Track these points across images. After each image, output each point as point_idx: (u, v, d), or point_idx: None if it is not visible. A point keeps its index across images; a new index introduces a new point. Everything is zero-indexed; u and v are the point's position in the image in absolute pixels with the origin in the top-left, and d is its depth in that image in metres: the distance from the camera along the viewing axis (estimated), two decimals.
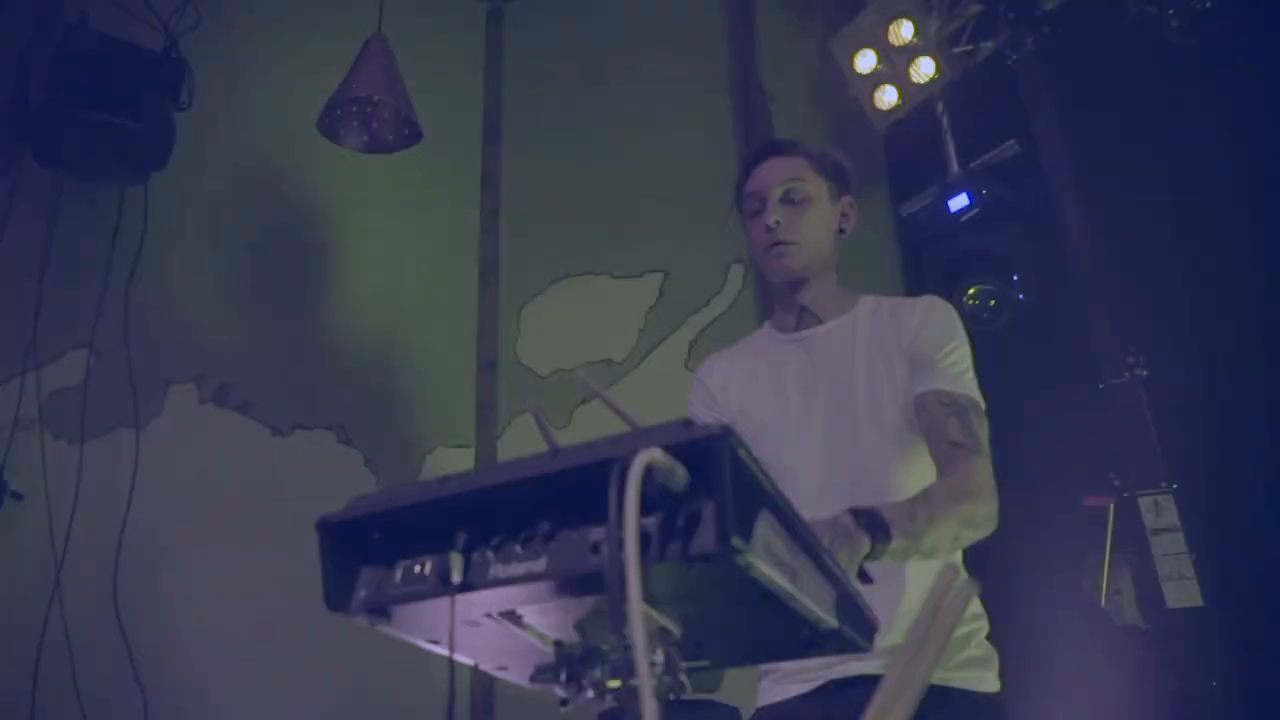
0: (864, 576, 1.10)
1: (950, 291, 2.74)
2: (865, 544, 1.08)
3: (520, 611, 0.75)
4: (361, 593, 0.77)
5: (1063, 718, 2.62)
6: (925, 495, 1.23)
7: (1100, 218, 2.82)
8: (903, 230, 3.15)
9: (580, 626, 0.76)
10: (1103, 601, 2.62)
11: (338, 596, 0.77)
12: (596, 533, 0.67)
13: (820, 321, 1.54)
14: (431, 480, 0.75)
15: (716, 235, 3.84)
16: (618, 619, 0.54)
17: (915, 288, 2.93)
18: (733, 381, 1.57)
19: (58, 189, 2.99)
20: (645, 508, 0.61)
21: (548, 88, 4.06)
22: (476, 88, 4.07)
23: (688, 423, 0.65)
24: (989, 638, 1.35)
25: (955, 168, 3.01)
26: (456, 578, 0.69)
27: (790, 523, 0.70)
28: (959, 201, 2.95)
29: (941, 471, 1.32)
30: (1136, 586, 2.57)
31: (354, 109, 2.81)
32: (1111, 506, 2.58)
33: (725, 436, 0.62)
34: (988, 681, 1.33)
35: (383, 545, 0.77)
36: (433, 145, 3.33)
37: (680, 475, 0.62)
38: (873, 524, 1.10)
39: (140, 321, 3.05)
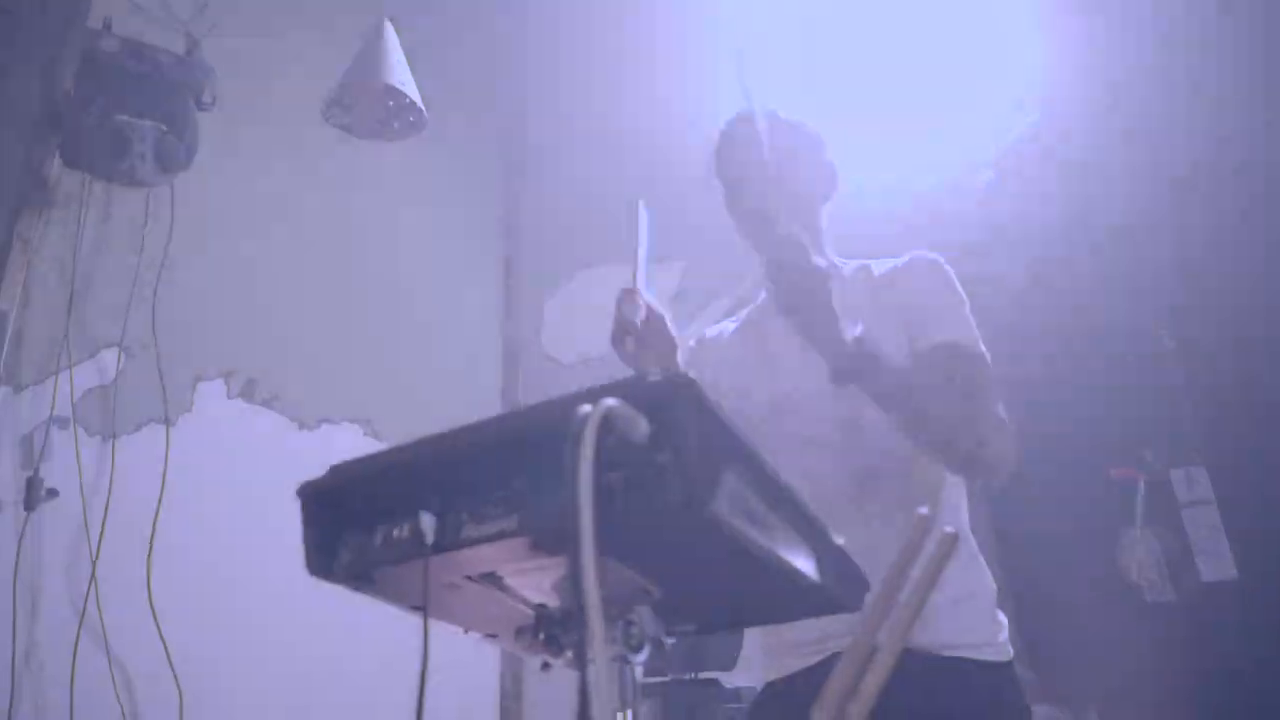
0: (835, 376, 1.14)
1: (972, 263, 2.71)
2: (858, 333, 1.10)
3: (500, 573, 0.75)
4: (344, 558, 0.77)
5: (1093, 692, 2.58)
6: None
7: (1126, 190, 2.76)
8: (918, 201, 3.11)
9: (558, 588, 0.76)
10: (1134, 575, 2.57)
11: (318, 562, 0.77)
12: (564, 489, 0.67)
13: None
14: (412, 442, 0.76)
15: (731, 226, 3.83)
16: (575, 576, 0.54)
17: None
18: (721, 357, 1.55)
19: (86, 190, 3.06)
20: (611, 462, 0.61)
21: (574, 73, 4.06)
22: (501, 74, 4.08)
23: (642, 374, 0.64)
24: (996, 603, 1.32)
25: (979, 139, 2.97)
26: (430, 538, 0.69)
27: (764, 475, 0.69)
28: (984, 175, 2.91)
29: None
30: (1167, 561, 2.52)
31: (360, 97, 2.83)
32: (1141, 480, 2.53)
33: (687, 384, 0.61)
34: (999, 650, 1.29)
35: (364, 510, 0.77)
36: (455, 132, 3.36)
37: (642, 427, 0.61)
38: (857, 349, 1.15)
39: (168, 319, 3.11)
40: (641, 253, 1.38)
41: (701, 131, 3.92)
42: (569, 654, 0.75)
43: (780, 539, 0.71)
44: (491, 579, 0.76)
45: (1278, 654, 2.31)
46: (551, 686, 3.57)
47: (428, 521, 0.70)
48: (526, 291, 3.91)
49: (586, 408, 0.59)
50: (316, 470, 2.96)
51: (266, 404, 3.31)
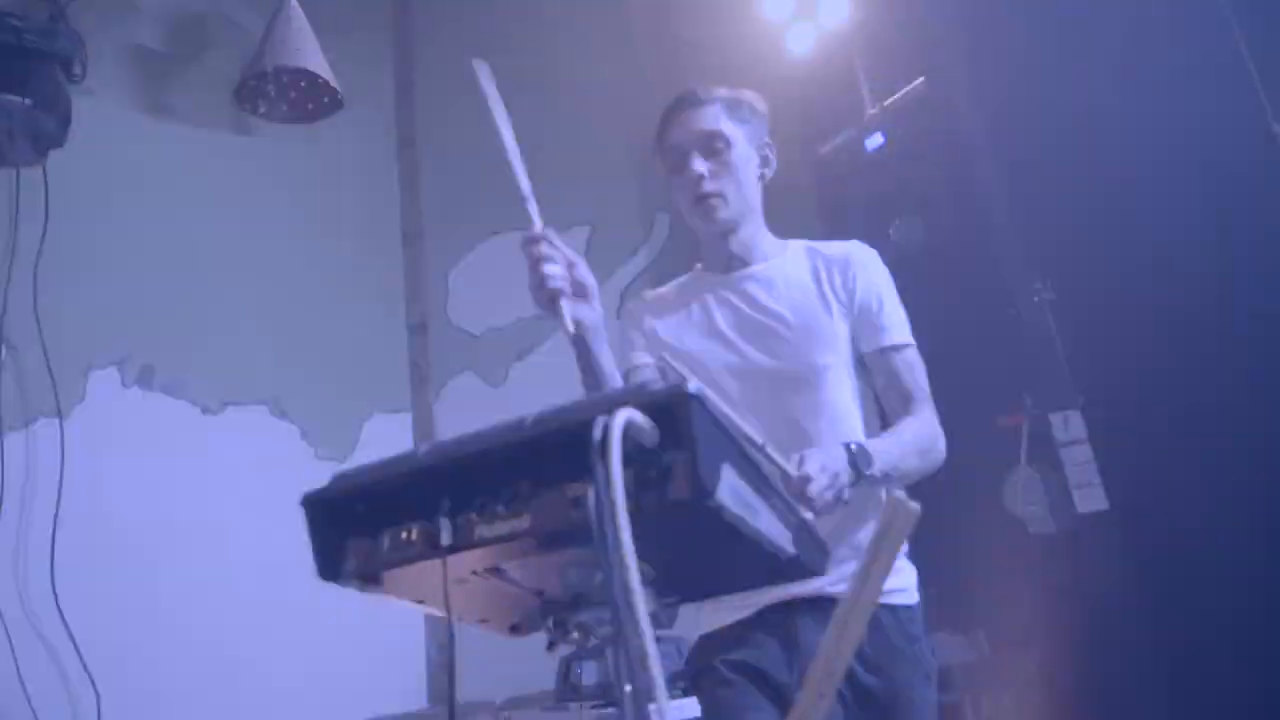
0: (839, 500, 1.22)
1: (870, 227, 2.84)
2: (849, 475, 1.20)
3: (504, 567, 0.81)
4: (350, 562, 0.81)
5: (982, 617, 2.84)
6: (898, 431, 1.34)
7: (1006, 151, 2.95)
8: (820, 170, 3.23)
9: (561, 575, 0.82)
10: (1019, 511, 2.82)
11: (327, 567, 0.81)
12: (574, 489, 0.73)
13: (747, 265, 1.58)
14: (408, 453, 0.80)
15: (640, 186, 3.88)
16: (611, 569, 0.60)
17: (835, 226, 3.03)
18: (662, 321, 1.59)
19: None
20: (623, 462, 0.67)
21: (462, 44, 3.98)
22: (388, 46, 3.98)
23: (646, 383, 0.71)
24: (908, 554, 1.47)
25: (869, 106, 3.09)
26: (446, 540, 0.74)
27: (750, 465, 0.77)
28: (874, 140, 3.04)
29: (900, 415, 1.42)
30: (1047, 496, 2.78)
31: (270, 80, 2.73)
32: (1024, 424, 2.76)
33: (693, 396, 0.68)
34: (908, 595, 1.44)
35: (367, 516, 0.81)
36: (348, 107, 3.26)
37: (652, 432, 0.67)
38: (861, 456, 1.21)
39: (53, 307, 2.94)
40: (500, 117, 1.31)
41: (597, 98, 3.94)
42: (575, 634, 0.81)
43: (764, 520, 0.79)
44: (495, 572, 0.81)
45: (1143, 577, 2.60)
46: (477, 659, 3.62)
47: (445, 525, 0.74)
48: (430, 263, 3.86)
49: (608, 418, 0.65)
50: (226, 456, 2.92)
51: (167, 390, 3.18)
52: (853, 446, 1.24)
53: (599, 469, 0.62)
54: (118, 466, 3.02)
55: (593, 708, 1.94)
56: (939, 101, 3.06)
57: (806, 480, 1.16)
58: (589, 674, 1.97)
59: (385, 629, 3.33)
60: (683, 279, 1.68)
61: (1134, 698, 2.59)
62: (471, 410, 3.71)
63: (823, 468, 1.17)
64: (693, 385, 0.69)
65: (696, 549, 0.78)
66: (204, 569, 3.06)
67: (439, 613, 0.93)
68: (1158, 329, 2.54)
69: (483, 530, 0.75)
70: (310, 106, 2.79)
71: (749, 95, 1.57)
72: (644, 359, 1.56)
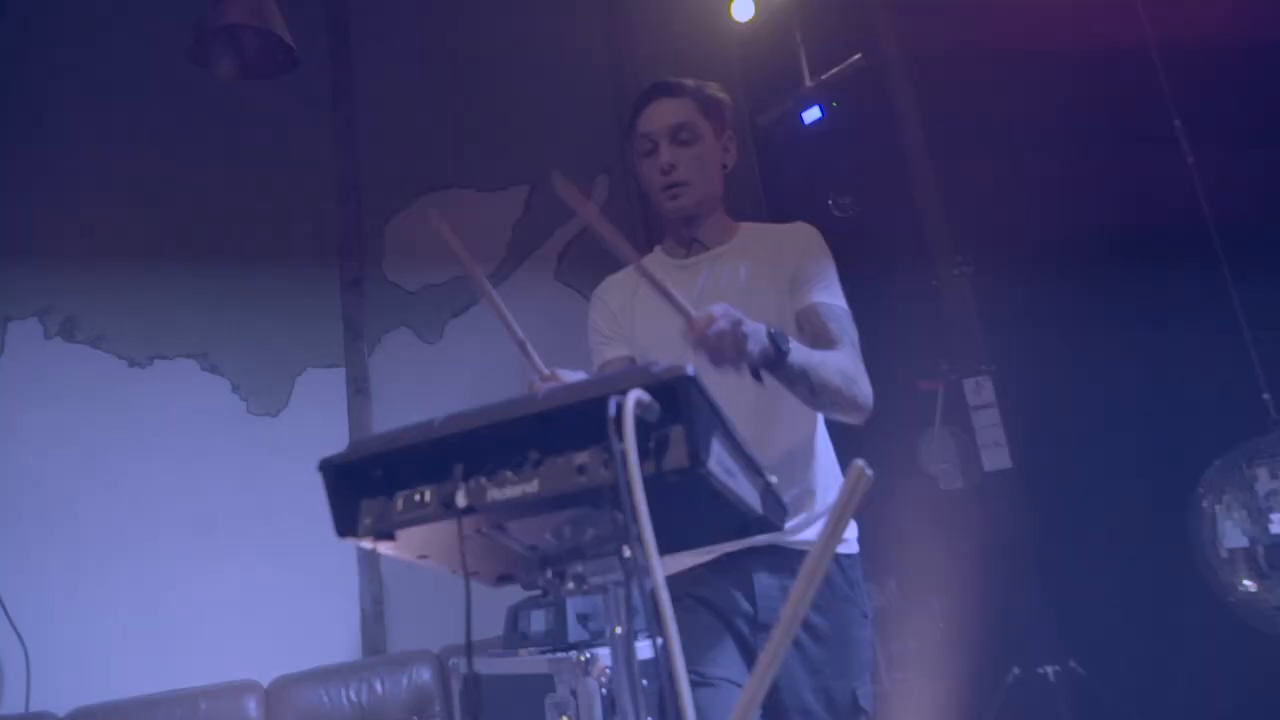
0: (754, 374, 1.30)
1: (809, 199, 2.97)
2: (764, 338, 1.27)
3: (507, 526, 0.89)
4: (366, 520, 0.88)
5: (894, 565, 3.06)
6: (823, 350, 1.45)
7: (936, 131, 3.11)
8: (759, 140, 3.32)
9: (555, 532, 0.91)
10: (931, 469, 3.03)
11: (344, 524, 0.88)
12: (579, 457, 0.82)
13: (707, 249, 1.68)
14: (424, 422, 0.87)
15: (581, 147, 3.91)
16: (630, 528, 0.70)
17: (772, 195, 3.14)
18: (630, 304, 1.69)
19: None
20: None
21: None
22: None
23: (649, 365, 0.80)
24: None
25: (808, 80, 3.19)
26: (462, 502, 0.82)
27: (730, 436, 0.87)
28: (812, 114, 3.14)
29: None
30: (958, 455, 3.00)
31: (224, 36, 2.65)
32: (941, 388, 2.97)
33: (690, 378, 0.77)
34: (850, 546, 1.59)
35: (382, 480, 0.88)
36: None
37: (656, 410, 0.77)
38: (781, 337, 1.31)
39: None
40: (470, 263, 1.34)
41: (537, 57, 3.92)
42: (570, 584, 0.91)
43: (740, 484, 0.90)
44: (499, 530, 0.90)
45: (1041, 528, 2.85)
46: (406, 608, 3.68)
47: (461, 488, 0.82)
48: (366, 218, 3.83)
49: (621, 397, 0.73)
50: (153, 410, 2.90)
51: (91, 343, 3.11)
52: (773, 329, 1.31)
53: (615, 440, 0.71)
54: (40, 419, 2.95)
55: (540, 653, 2.05)
56: (874, 78, 3.19)
57: (710, 320, 1.23)
58: (536, 622, 2.08)
59: (319, 582, 3.37)
60: (644, 260, 1.75)
61: (1026, 634, 2.86)
62: (406, 366, 3.73)
63: (725, 312, 1.24)
64: (690, 368, 0.78)
65: (682, 507, 0.87)
66: (133, 523, 3.03)
67: (438, 567, 1.01)
68: (1063, 304, 2.76)
69: (494, 493, 0.84)
70: (263, 63, 2.72)
71: (717, 90, 1.66)
72: (616, 353, 1.63)
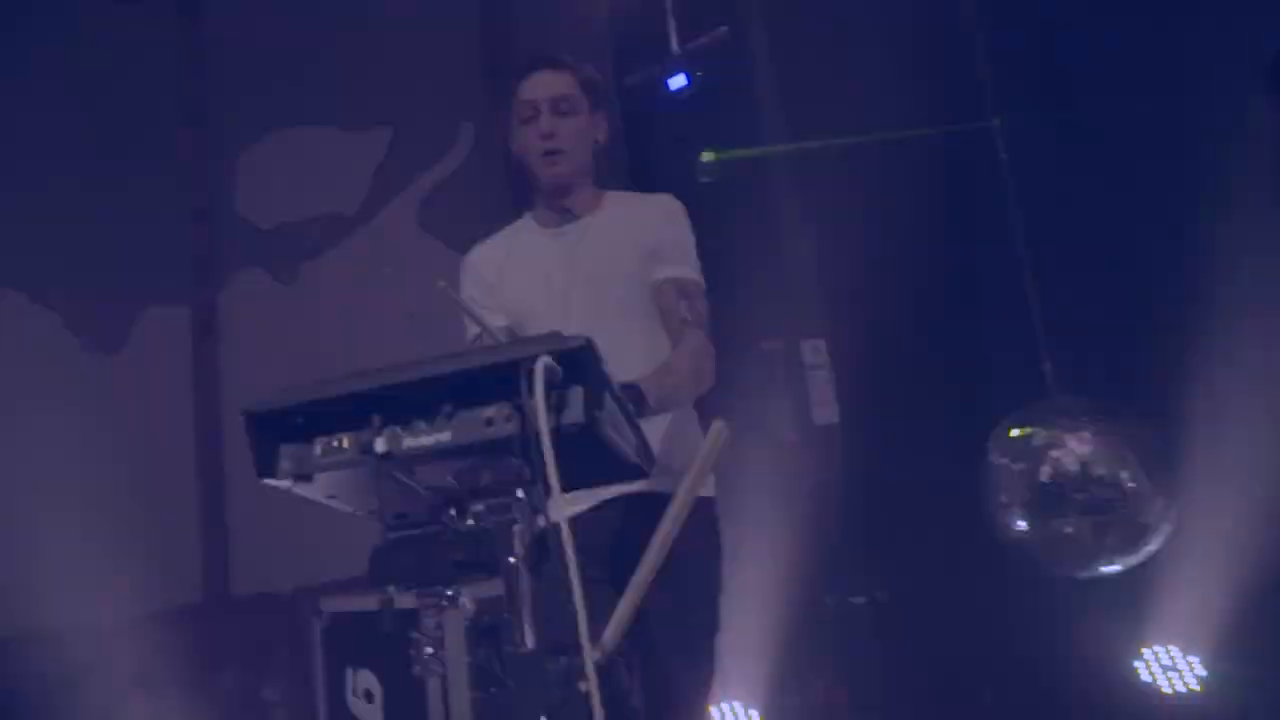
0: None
1: (672, 164, 3.11)
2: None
3: (416, 470, 1.01)
4: (285, 464, 0.98)
5: (738, 510, 3.34)
6: (668, 365, 1.61)
7: (791, 105, 3.33)
8: (626, 102, 3.42)
9: (456, 475, 1.04)
10: (769, 422, 3.32)
11: (265, 467, 0.97)
12: (488, 411, 0.95)
13: (577, 218, 1.78)
14: (342, 376, 0.97)
15: (446, 94, 3.87)
16: (537, 477, 0.83)
17: (637, 158, 3.26)
18: (503, 270, 1.76)
19: None
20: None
21: None
22: None
23: (556, 333, 0.93)
24: None
25: (675, 47, 3.31)
26: (381, 449, 0.93)
27: (617, 397, 1.02)
28: (678, 81, 3.28)
29: (675, 342, 1.69)
30: (794, 411, 3.30)
31: None
32: (782, 349, 3.24)
33: (590, 347, 0.91)
34: (710, 489, 1.79)
35: (301, 427, 0.98)
36: None
37: (560, 373, 0.90)
38: (633, 395, 1.46)
39: None
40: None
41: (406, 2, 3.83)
42: (470, 521, 1.04)
43: (621, 436, 1.05)
44: (409, 473, 1.01)
45: (861, 475, 3.21)
46: (254, 551, 3.64)
47: (380, 436, 0.93)
48: (217, 149, 3.66)
49: (533, 362, 0.87)
50: None
51: None
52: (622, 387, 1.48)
53: (526, 397, 0.84)
54: None
55: (406, 590, 2.15)
56: (737, 51, 3.35)
57: None
58: (403, 560, 2.17)
59: (157, 523, 3.29)
60: (513, 228, 1.83)
61: (842, 569, 3.23)
62: (259, 307, 3.64)
63: None
64: (588, 337, 0.92)
65: (574, 456, 1.02)
66: None
67: (348, 508, 1.11)
68: (889, 275, 3.11)
69: (410, 441, 0.95)
70: None
71: (595, 72, 1.76)
72: (495, 322, 1.71)
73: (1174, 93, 2.81)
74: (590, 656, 0.91)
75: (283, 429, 0.98)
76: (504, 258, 1.77)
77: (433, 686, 1.97)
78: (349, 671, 2.17)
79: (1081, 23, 3.00)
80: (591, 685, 0.90)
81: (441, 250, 3.77)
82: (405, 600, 2.11)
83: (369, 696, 2.11)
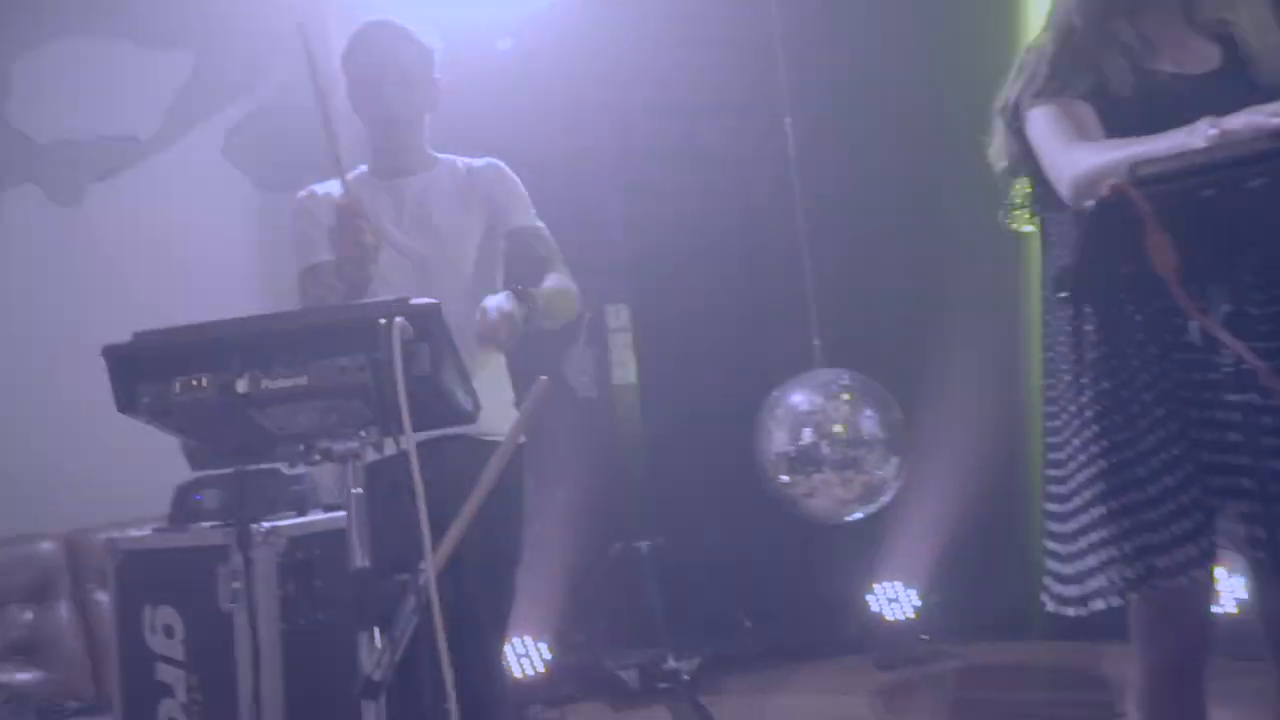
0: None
1: (501, 128, 3.22)
2: (522, 310, 1.63)
3: (271, 411, 1.13)
4: (145, 399, 1.07)
5: (540, 461, 3.55)
6: (549, 285, 1.77)
7: (612, 78, 3.53)
8: (450, 63, 3.46)
9: (308, 417, 1.16)
10: (572, 380, 3.56)
11: (124, 402, 1.06)
12: (342, 360, 1.08)
13: (412, 175, 1.87)
14: (207, 323, 1.07)
15: (257, 19, 3.71)
16: (382, 418, 0.99)
17: (465, 120, 3.34)
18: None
19: None
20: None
21: None
22: None
23: (407, 297, 1.08)
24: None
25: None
26: (243, 389, 1.05)
27: (456, 353, 1.18)
28: (504, 43, 3.38)
29: (546, 274, 1.84)
30: (596, 370, 3.56)
31: None
32: (587, 312, 3.47)
33: (437, 309, 1.07)
34: (523, 437, 1.97)
35: (161, 366, 1.07)
36: None
37: (410, 330, 1.06)
38: (528, 299, 1.64)
39: None
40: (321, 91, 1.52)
41: None
42: (316, 456, 1.17)
43: (456, 384, 1.21)
44: (263, 413, 1.13)
45: (653, 431, 3.53)
46: (30, 491, 3.42)
47: (243, 378, 1.05)
48: None
49: (388, 321, 1.02)
50: None
51: None
52: (518, 288, 1.66)
53: (383, 352, 1.00)
54: None
55: (213, 527, 2.19)
56: (564, 18, 3.48)
57: (489, 322, 1.56)
58: (209, 499, 2.21)
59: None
60: (349, 179, 1.89)
61: (629, 517, 3.54)
62: (33, 229, 3.37)
63: (498, 307, 1.59)
64: (437, 301, 1.08)
65: (415, 402, 1.17)
66: None
67: (196, 442, 1.20)
68: (692, 252, 3.42)
69: (268, 384, 1.07)
70: None
71: (433, 39, 1.84)
72: (326, 255, 1.77)
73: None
74: (429, 572, 1.08)
75: (144, 367, 1.07)
76: (325, 191, 1.81)
77: (240, 620, 2.06)
78: (146, 609, 2.17)
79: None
80: (432, 596, 1.06)
81: (246, 184, 3.65)
82: (212, 537, 2.17)
83: (169, 631, 2.13)
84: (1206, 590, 1.30)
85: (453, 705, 1.13)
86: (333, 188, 1.88)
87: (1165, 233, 0.86)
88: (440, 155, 1.96)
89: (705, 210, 3.39)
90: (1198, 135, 0.97)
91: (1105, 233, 0.93)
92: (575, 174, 3.31)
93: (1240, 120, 0.94)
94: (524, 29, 3.53)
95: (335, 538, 2.24)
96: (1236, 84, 1.19)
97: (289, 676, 2.01)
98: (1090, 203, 0.98)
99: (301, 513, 2.31)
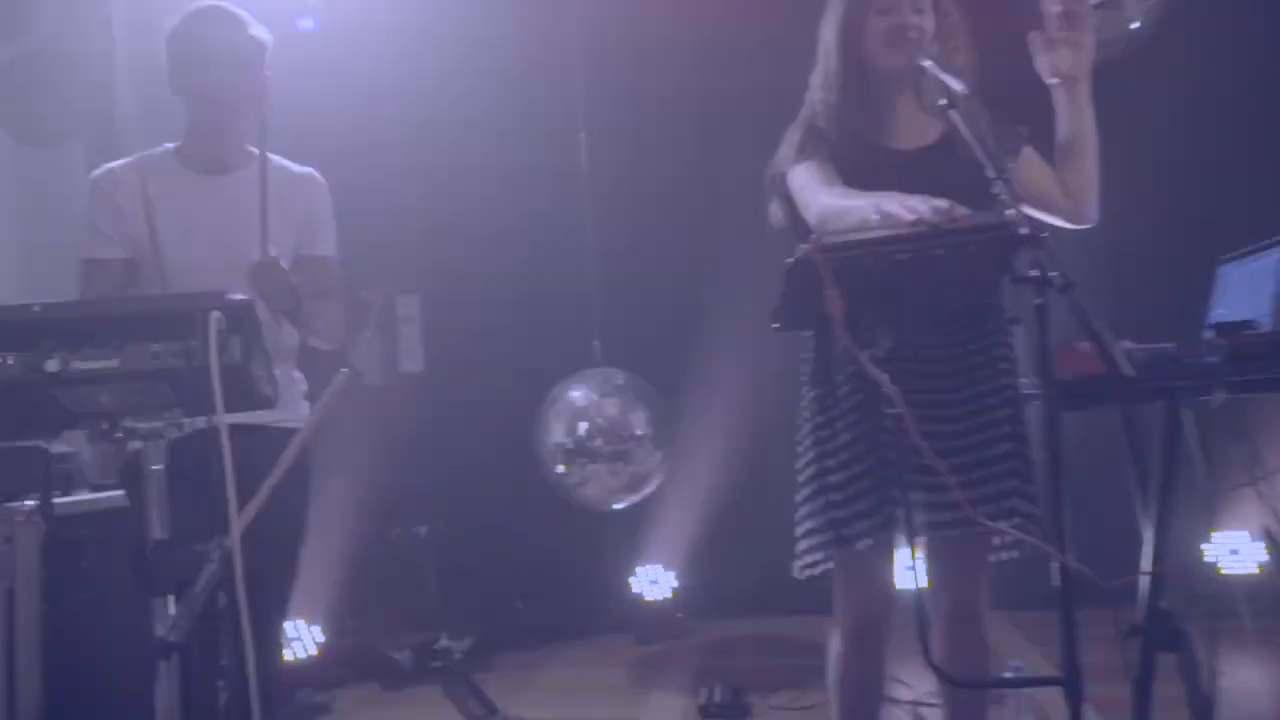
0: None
1: (303, 108, 3.19)
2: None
3: (78, 391, 1.19)
4: None
5: (323, 448, 3.56)
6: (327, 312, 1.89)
7: (408, 74, 3.60)
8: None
9: (113, 396, 1.24)
10: (359, 366, 3.59)
11: None
12: (154, 347, 1.18)
13: (228, 170, 1.86)
14: (22, 304, 1.13)
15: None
16: (187, 401, 1.11)
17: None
18: (143, 208, 1.78)
19: None
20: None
21: None
22: None
23: (224, 292, 1.19)
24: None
25: None
26: (54, 369, 1.12)
27: (263, 347, 1.30)
28: (306, 23, 3.33)
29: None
30: (384, 356, 3.64)
31: None
32: (379, 300, 3.54)
33: (250, 305, 1.19)
34: None
35: None
36: None
37: (224, 322, 1.17)
38: (294, 300, 1.75)
39: None
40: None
41: None
42: (119, 434, 1.24)
43: (261, 376, 1.33)
44: (69, 392, 1.19)
45: (438, 419, 3.64)
46: None
47: (54, 358, 1.12)
48: None
49: (207, 315, 1.13)
50: None
51: None
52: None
53: (203, 344, 1.11)
54: None
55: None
56: (367, 2, 3.51)
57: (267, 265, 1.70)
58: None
59: None
60: (153, 159, 1.86)
61: (410, 503, 3.64)
62: None
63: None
64: (250, 299, 1.20)
65: (225, 391, 1.27)
66: None
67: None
68: (483, 250, 3.59)
69: (79, 364, 1.15)
70: None
71: (264, 32, 1.84)
72: (114, 254, 1.77)
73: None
74: (231, 543, 1.19)
75: None
76: (140, 192, 1.78)
77: None
78: None
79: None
80: (235, 563, 1.18)
81: (3, 138, 3.35)
82: None
83: None
84: (888, 555, 1.66)
85: (251, 669, 1.24)
86: (130, 170, 1.84)
87: (839, 288, 1.16)
88: (252, 150, 1.91)
89: (497, 211, 3.58)
90: (873, 210, 1.31)
91: (801, 282, 1.23)
92: (370, 164, 3.35)
93: (894, 204, 1.28)
94: (325, 10, 3.52)
95: (104, 517, 2.20)
96: (946, 158, 1.57)
97: (51, 656, 1.98)
98: (789, 260, 1.28)
99: (66, 492, 2.24)
